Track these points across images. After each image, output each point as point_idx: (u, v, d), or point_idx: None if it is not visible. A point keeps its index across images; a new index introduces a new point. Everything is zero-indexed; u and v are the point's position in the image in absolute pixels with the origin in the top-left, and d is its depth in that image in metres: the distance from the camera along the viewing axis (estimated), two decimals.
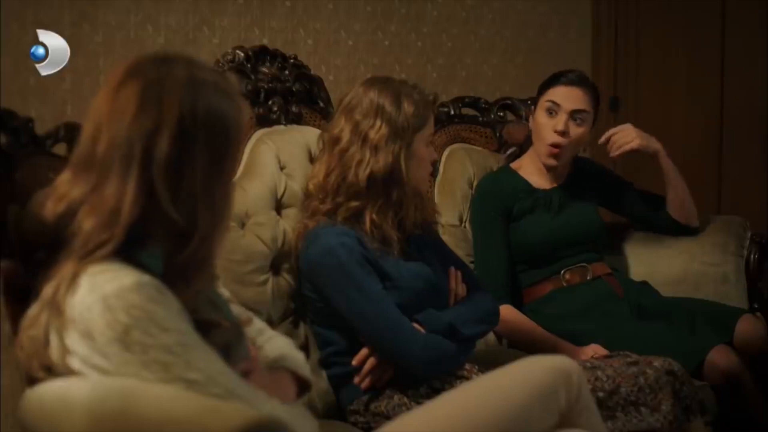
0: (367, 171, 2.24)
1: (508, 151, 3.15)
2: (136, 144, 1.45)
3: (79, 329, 1.43)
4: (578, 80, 2.82)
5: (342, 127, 2.28)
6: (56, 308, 1.45)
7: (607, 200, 3.02)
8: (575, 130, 2.80)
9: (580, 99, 2.79)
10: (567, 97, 2.79)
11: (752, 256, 3.02)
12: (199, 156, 1.47)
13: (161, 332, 1.42)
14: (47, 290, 1.47)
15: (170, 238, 1.48)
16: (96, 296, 1.42)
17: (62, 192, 1.49)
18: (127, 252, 1.47)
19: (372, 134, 2.25)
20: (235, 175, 1.60)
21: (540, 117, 2.83)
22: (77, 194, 1.47)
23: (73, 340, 1.44)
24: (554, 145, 2.80)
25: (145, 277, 1.45)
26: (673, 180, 2.95)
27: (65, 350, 1.45)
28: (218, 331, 1.54)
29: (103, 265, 1.45)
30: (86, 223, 1.45)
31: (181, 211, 1.46)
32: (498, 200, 2.84)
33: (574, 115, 2.79)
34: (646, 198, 3.03)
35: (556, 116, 2.79)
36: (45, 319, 1.46)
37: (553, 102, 2.79)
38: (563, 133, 2.78)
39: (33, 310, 1.48)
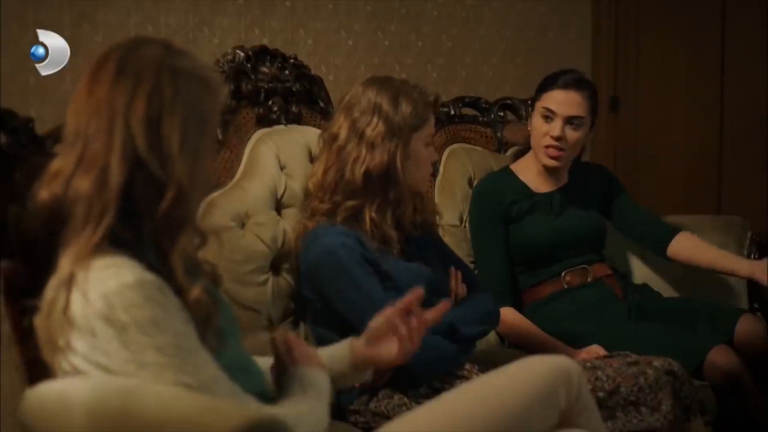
0: (363, 168, 2.24)
1: (509, 151, 3.16)
2: (117, 102, 1.49)
3: (81, 326, 1.44)
4: (575, 83, 2.79)
5: (341, 124, 2.29)
6: (61, 304, 1.46)
7: (605, 212, 2.98)
8: (572, 135, 2.79)
9: (575, 104, 2.78)
10: (562, 103, 2.77)
11: (752, 256, 3.02)
12: (178, 113, 1.51)
13: (158, 333, 1.43)
14: (53, 281, 1.48)
15: (153, 195, 1.50)
16: (98, 293, 1.44)
17: (55, 169, 1.52)
18: (134, 247, 1.48)
19: (369, 131, 2.25)
20: (214, 138, 1.64)
21: (536, 122, 2.83)
22: (69, 165, 1.50)
23: (75, 338, 1.45)
24: (551, 148, 2.80)
25: (148, 276, 1.46)
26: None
27: (68, 348, 1.46)
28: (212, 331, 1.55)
29: (107, 258, 1.46)
30: (81, 186, 1.48)
31: (160, 163, 1.50)
32: (496, 202, 2.83)
33: (569, 120, 2.78)
34: (643, 220, 2.97)
35: (551, 122, 2.78)
36: (52, 313, 1.47)
37: (548, 109, 2.78)
38: (559, 139, 2.78)
39: (47, 293, 1.49)
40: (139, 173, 1.49)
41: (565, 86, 2.78)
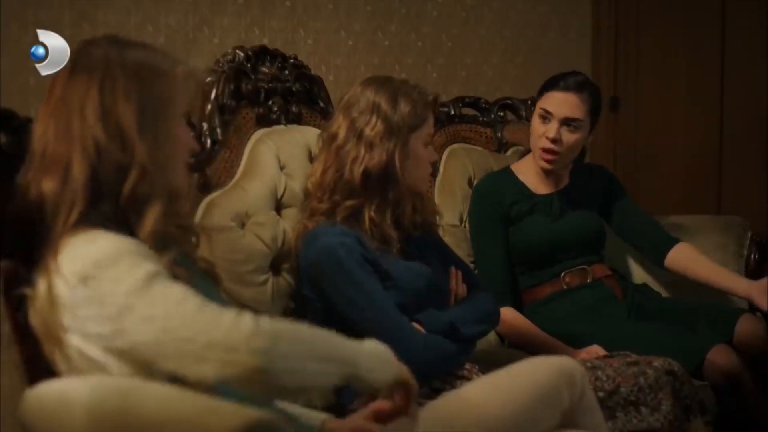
0: (362, 168, 2.24)
1: (510, 151, 3.15)
2: (72, 99, 1.56)
3: (68, 304, 1.47)
4: (575, 86, 2.78)
5: (339, 124, 2.30)
6: (44, 288, 1.49)
7: (604, 214, 2.98)
8: (568, 137, 2.78)
9: (573, 106, 2.76)
10: (560, 104, 2.76)
11: (752, 257, 3.02)
12: (132, 99, 1.57)
13: (137, 299, 1.45)
14: (39, 272, 1.51)
15: (118, 178, 1.54)
16: (72, 269, 1.47)
17: (25, 177, 1.57)
18: (107, 225, 1.52)
19: (367, 131, 2.25)
20: (176, 117, 1.66)
21: (534, 122, 2.82)
22: (36, 167, 1.55)
23: (67, 317, 1.48)
24: (546, 150, 2.80)
25: (124, 243, 1.49)
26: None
27: (62, 330, 1.48)
28: None
29: (80, 234, 1.49)
30: (47, 187, 1.53)
31: (120, 148, 1.55)
32: (496, 202, 2.83)
33: (566, 122, 2.77)
34: (643, 225, 2.95)
35: (548, 123, 2.78)
36: (40, 300, 1.50)
37: (546, 110, 2.78)
38: (554, 141, 2.77)
39: (39, 285, 1.51)
40: (102, 161, 1.54)
41: (565, 88, 2.77)
